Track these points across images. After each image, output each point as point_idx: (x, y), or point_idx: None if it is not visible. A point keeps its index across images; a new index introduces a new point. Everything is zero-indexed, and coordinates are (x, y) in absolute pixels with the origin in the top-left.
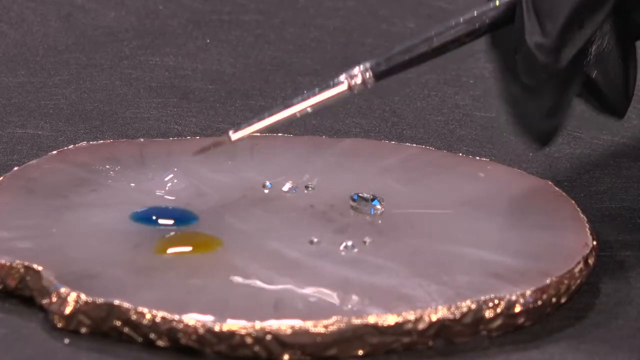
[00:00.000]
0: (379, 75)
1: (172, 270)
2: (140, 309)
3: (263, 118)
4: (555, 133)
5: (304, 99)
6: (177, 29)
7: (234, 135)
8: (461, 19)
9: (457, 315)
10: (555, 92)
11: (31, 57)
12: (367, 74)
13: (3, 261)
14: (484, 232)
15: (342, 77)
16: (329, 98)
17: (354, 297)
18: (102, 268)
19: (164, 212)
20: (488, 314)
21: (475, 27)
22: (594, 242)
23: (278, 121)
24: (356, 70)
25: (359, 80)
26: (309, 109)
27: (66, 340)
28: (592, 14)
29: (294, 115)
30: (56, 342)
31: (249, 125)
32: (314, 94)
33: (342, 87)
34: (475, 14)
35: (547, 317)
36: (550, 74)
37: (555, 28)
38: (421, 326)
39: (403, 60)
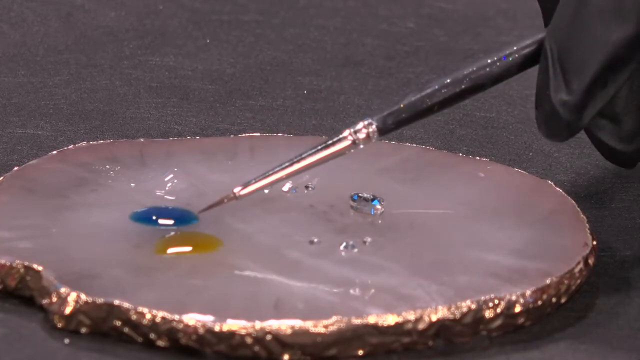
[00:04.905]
0: (383, 131)
1: (172, 270)
2: (140, 309)
3: (268, 176)
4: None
5: (309, 155)
6: (177, 29)
7: (241, 192)
8: (465, 72)
9: (457, 315)
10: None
11: (31, 57)
12: (371, 129)
13: (3, 261)
14: (484, 232)
15: (346, 133)
16: (333, 153)
17: (354, 297)
18: (102, 268)
19: (164, 212)
20: (488, 314)
21: (480, 82)
22: (594, 242)
23: (283, 178)
24: (360, 125)
25: (362, 135)
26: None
27: (66, 340)
28: (616, 73)
29: (299, 171)
30: (56, 342)
31: (256, 182)
32: (319, 150)
33: (346, 143)
34: (481, 70)
35: (547, 317)
36: (571, 131)
37: (581, 86)
38: (421, 326)
39: (407, 117)
